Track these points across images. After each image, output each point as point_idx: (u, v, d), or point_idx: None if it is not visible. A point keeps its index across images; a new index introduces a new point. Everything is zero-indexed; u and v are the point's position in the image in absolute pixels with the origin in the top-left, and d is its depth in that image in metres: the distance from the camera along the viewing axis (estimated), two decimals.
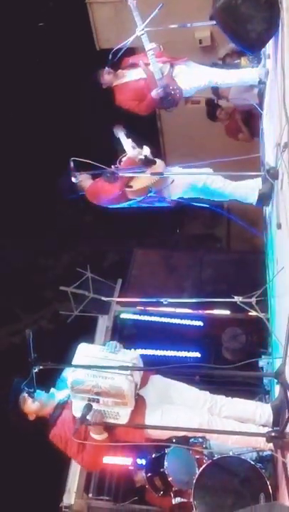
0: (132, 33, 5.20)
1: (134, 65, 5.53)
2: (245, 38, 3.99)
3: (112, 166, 4.76)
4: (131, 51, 5.70)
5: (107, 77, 5.49)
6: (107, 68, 5.47)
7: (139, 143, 5.00)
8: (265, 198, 4.68)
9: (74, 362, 3.88)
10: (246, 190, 4.88)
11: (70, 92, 7.11)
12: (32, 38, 6.83)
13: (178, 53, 7.14)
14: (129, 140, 4.94)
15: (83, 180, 4.98)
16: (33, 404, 3.89)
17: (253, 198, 4.84)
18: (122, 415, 3.78)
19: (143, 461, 5.29)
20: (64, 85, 7.08)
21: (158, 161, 4.94)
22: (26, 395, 3.88)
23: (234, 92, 6.32)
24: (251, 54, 4.99)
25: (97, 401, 3.72)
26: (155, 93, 5.34)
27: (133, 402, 3.80)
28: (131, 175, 4.79)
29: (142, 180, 4.87)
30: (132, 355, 4.02)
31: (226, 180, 4.98)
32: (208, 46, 7.55)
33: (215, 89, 7.07)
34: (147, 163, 4.84)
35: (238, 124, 7.17)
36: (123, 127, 4.84)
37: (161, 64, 5.37)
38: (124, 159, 4.91)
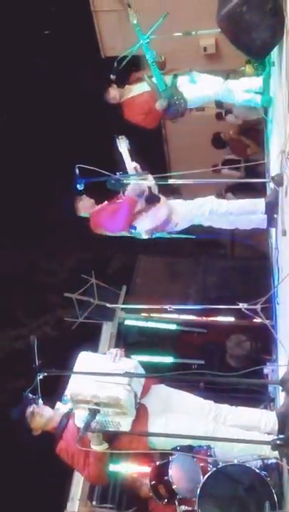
0: (137, 41, 5.22)
1: (139, 79, 5.56)
2: (250, 45, 4.01)
3: (117, 173, 4.74)
4: (136, 59, 5.73)
5: (112, 92, 5.51)
6: (112, 86, 5.51)
7: (143, 152, 4.99)
8: (272, 205, 4.65)
9: (75, 369, 3.86)
10: (251, 205, 4.87)
11: (75, 99, 7.15)
12: (38, 46, 6.87)
13: (183, 61, 7.18)
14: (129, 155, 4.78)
15: (85, 203, 4.90)
16: (41, 418, 3.87)
17: (260, 209, 4.81)
18: (123, 425, 3.76)
19: (147, 469, 5.27)
20: (69, 93, 7.12)
21: (162, 198, 4.86)
22: (35, 408, 3.85)
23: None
24: (256, 61, 5.00)
25: (98, 411, 3.68)
26: (159, 104, 5.35)
27: (133, 412, 3.77)
28: (136, 181, 4.77)
29: (145, 223, 4.81)
30: (132, 364, 3.96)
31: (230, 202, 4.96)
32: (213, 54, 7.58)
33: (219, 103, 7.15)
34: (151, 200, 4.77)
35: (243, 142, 7.26)
36: (126, 138, 4.75)
37: (164, 75, 5.38)
38: (128, 190, 4.78)
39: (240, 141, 7.49)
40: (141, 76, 5.54)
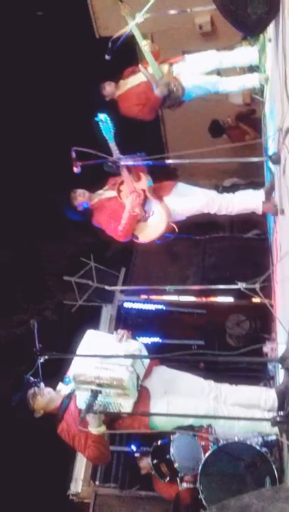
0: (132, 20, 5.15)
1: (134, 72, 5.50)
2: (245, 21, 3.94)
3: (114, 156, 4.71)
4: (131, 39, 5.66)
5: (108, 88, 5.47)
6: (107, 82, 5.46)
7: (139, 133, 4.91)
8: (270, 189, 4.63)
9: (80, 348, 3.91)
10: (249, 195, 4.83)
11: (70, 80, 7.08)
12: (31, 27, 6.77)
13: (178, 40, 7.11)
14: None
15: (82, 196, 4.87)
16: (42, 399, 3.90)
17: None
18: (124, 406, 3.78)
19: (149, 449, 5.33)
20: (64, 74, 7.03)
21: (160, 207, 4.79)
22: (36, 389, 3.90)
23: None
24: (252, 37, 4.94)
25: (100, 392, 3.71)
26: (159, 91, 5.28)
27: (135, 394, 3.80)
28: (135, 164, 4.73)
29: (147, 233, 4.83)
30: (136, 346, 3.99)
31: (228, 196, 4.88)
32: (208, 32, 7.48)
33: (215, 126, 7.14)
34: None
35: (241, 129, 7.21)
36: (108, 117, 4.50)
37: (159, 64, 5.33)
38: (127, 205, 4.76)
39: (238, 128, 7.44)
40: (136, 69, 5.49)
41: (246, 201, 4.78)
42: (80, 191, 4.89)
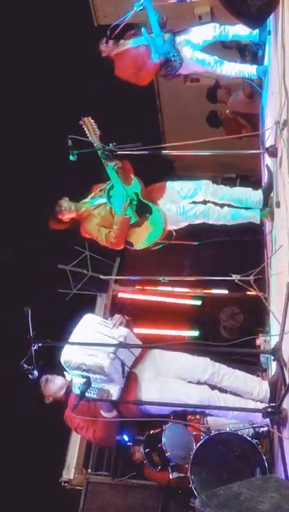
0: (130, 9, 5.12)
1: (136, 34, 5.43)
2: (245, 13, 3.95)
3: (110, 144, 4.67)
4: (130, 27, 5.62)
5: (105, 45, 5.37)
6: (106, 39, 5.38)
7: (137, 122, 4.81)
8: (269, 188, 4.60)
9: (74, 332, 3.97)
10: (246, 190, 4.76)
11: (68, 69, 7.02)
12: (29, 15, 6.70)
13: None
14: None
15: (68, 211, 4.68)
16: (53, 385, 4.01)
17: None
18: (112, 392, 3.83)
19: (142, 438, 5.37)
20: (62, 62, 6.97)
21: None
22: (49, 376, 4.00)
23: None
24: (251, 29, 4.91)
25: (89, 378, 3.75)
26: (157, 57, 5.21)
27: (119, 380, 3.84)
28: (129, 153, 4.69)
29: (142, 239, 4.65)
30: (120, 333, 3.99)
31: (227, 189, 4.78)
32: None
33: (212, 92, 7.07)
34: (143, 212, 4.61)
35: (238, 122, 7.16)
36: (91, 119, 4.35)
37: (163, 32, 5.27)
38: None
39: (236, 121, 7.39)
40: (138, 31, 5.41)
41: (245, 213, 4.68)
42: (65, 205, 4.67)
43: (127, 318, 4.15)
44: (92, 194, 4.79)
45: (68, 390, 4.00)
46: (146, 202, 4.60)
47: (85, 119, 4.29)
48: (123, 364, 3.85)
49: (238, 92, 6.81)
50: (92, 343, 3.82)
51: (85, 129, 4.31)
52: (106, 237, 4.61)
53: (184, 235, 4.92)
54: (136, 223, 4.64)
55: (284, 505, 2.16)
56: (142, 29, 5.32)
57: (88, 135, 4.33)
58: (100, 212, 4.67)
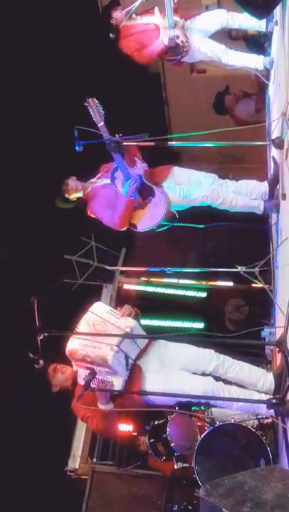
0: None
1: (148, 13, 5.34)
2: (252, 3, 3.93)
3: (116, 135, 4.65)
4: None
5: (119, 13, 5.31)
6: (118, 8, 5.31)
7: (143, 114, 4.78)
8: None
9: (81, 321, 3.98)
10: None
11: (75, 58, 6.97)
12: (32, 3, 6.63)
13: None
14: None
15: (75, 190, 4.71)
16: (62, 375, 4.04)
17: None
18: (116, 384, 3.86)
19: (146, 428, 5.40)
20: (67, 47, 6.90)
21: (156, 193, 4.65)
22: (57, 366, 4.04)
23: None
24: (258, 19, 4.87)
25: (94, 370, 3.78)
26: (165, 39, 5.14)
27: (123, 372, 3.86)
28: (136, 144, 4.69)
29: (145, 221, 4.67)
30: (127, 323, 4.01)
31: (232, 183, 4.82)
32: None
33: (220, 99, 7.02)
34: (145, 194, 4.61)
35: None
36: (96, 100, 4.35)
37: (175, 16, 5.22)
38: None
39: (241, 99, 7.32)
40: (151, 11, 5.31)
41: (249, 203, 4.73)
42: (72, 184, 4.70)
43: (136, 310, 4.16)
44: (100, 174, 4.82)
45: (75, 380, 4.03)
46: (149, 184, 4.63)
47: (90, 99, 4.31)
48: (127, 356, 3.86)
49: (249, 101, 6.78)
50: (98, 334, 3.83)
51: (90, 110, 4.32)
52: (110, 218, 4.65)
53: (189, 219, 4.93)
54: (139, 205, 4.67)
55: (288, 494, 2.18)
56: (156, 8, 5.26)
57: (92, 116, 4.34)
58: (106, 192, 4.69)
